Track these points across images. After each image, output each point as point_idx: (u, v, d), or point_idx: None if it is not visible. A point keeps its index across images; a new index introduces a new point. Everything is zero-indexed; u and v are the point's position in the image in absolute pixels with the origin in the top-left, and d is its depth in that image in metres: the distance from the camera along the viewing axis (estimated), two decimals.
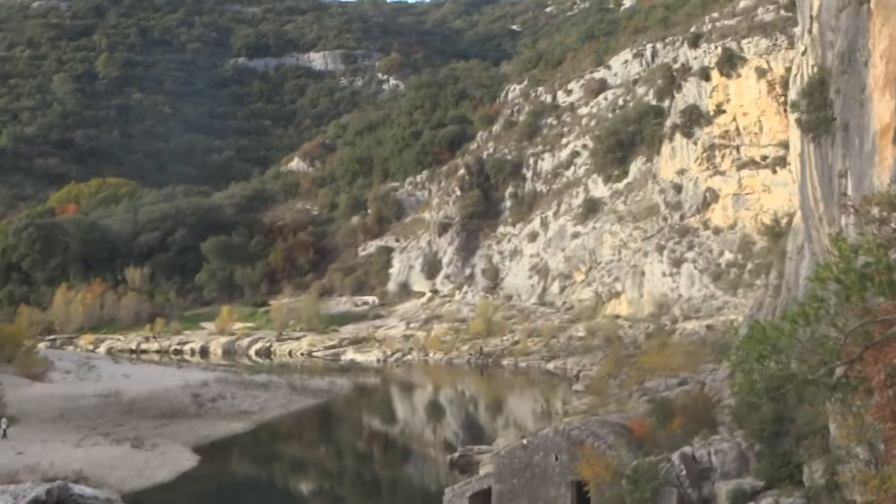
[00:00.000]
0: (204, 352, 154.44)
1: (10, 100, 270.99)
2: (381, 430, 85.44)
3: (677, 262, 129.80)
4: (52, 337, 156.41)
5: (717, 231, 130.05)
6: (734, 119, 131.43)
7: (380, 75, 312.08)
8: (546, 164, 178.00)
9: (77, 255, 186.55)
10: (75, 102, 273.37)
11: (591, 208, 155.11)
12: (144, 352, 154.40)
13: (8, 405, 71.10)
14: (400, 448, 76.28)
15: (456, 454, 61.43)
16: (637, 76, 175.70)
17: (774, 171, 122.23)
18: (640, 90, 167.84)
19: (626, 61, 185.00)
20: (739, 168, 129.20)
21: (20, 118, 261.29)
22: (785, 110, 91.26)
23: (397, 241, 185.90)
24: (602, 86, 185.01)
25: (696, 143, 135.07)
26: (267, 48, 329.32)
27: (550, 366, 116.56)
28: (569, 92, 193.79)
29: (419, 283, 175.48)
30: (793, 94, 54.09)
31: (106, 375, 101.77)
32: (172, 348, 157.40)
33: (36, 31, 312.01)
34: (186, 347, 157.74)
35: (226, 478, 60.85)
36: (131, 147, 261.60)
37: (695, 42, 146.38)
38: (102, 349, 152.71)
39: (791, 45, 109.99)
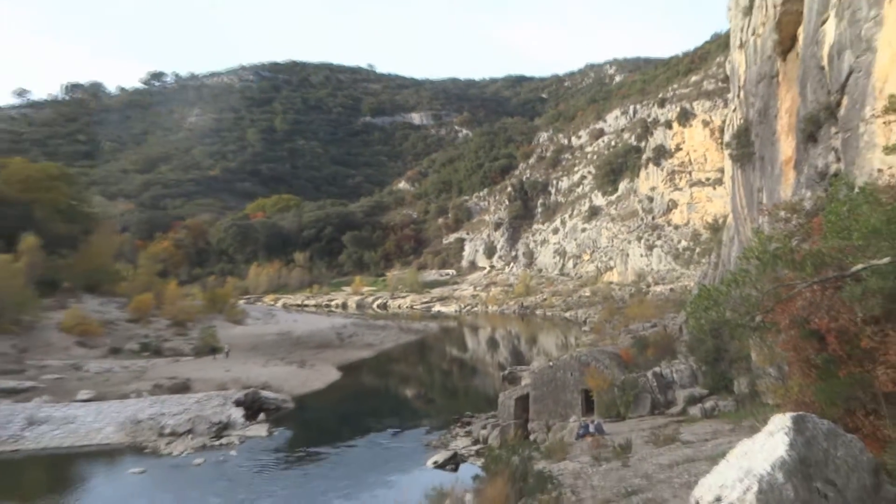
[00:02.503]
0: (344, 306, 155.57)
1: (221, 146, 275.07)
2: (457, 356, 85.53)
3: (650, 247, 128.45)
4: (247, 296, 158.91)
5: (676, 227, 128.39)
6: (688, 154, 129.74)
7: (456, 127, 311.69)
8: (564, 183, 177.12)
9: (263, 244, 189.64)
10: (261, 146, 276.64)
11: (594, 212, 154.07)
12: (306, 306, 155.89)
13: (221, 339, 72.65)
14: (470, 367, 76.21)
15: (506, 371, 61.36)
16: (624, 126, 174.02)
17: (714, 188, 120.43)
18: (626, 135, 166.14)
19: (616, 116, 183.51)
20: (691, 186, 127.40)
21: (226, 157, 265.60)
22: (721, 148, 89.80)
23: (467, 234, 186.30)
24: (601, 132, 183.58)
25: (662, 170, 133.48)
26: (384, 110, 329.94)
27: (567, 315, 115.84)
28: (579, 137, 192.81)
29: (482, 261, 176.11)
30: (727, 137, 53.13)
31: (282, 321, 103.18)
32: (324, 303, 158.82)
33: (237, 101, 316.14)
34: (333, 303, 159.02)
35: (359, 386, 61.30)
36: (297, 175, 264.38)
37: (662, 104, 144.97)
38: (279, 304, 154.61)
39: (726, 105, 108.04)
